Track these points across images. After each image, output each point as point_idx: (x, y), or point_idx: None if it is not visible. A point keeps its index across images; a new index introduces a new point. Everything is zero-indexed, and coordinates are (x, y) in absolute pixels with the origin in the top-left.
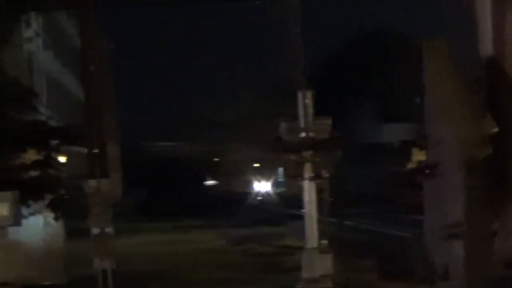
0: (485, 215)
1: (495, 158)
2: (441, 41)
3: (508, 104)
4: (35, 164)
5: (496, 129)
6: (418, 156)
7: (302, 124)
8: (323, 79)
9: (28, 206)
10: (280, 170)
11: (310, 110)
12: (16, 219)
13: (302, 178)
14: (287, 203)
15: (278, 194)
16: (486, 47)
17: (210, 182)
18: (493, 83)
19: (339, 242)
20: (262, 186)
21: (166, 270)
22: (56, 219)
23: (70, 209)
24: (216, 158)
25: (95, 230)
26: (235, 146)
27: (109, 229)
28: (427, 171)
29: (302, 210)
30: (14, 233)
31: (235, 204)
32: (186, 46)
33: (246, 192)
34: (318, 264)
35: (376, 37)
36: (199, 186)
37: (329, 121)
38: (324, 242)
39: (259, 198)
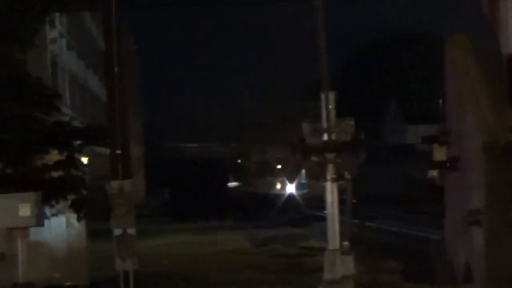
0: (506, 203)
1: None
2: (463, 34)
3: None
4: (57, 165)
5: None
6: (439, 157)
7: (324, 125)
8: (346, 81)
9: (51, 206)
10: (303, 171)
11: (333, 111)
12: (39, 220)
13: (324, 179)
14: (310, 205)
15: (301, 195)
16: (509, 49)
17: (233, 184)
18: None
19: (362, 243)
20: (285, 188)
21: (190, 271)
22: (78, 219)
23: (93, 209)
24: (239, 159)
25: (117, 231)
26: (258, 147)
27: (131, 230)
28: (448, 165)
29: (325, 212)
30: (36, 234)
31: (258, 206)
32: (208, 46)
33: (269, 194)
34: (340, 265)
35: (399, 38)
36: (222, 187)
37: (351, 122)
38: (346, 243)
39: (282, 199)
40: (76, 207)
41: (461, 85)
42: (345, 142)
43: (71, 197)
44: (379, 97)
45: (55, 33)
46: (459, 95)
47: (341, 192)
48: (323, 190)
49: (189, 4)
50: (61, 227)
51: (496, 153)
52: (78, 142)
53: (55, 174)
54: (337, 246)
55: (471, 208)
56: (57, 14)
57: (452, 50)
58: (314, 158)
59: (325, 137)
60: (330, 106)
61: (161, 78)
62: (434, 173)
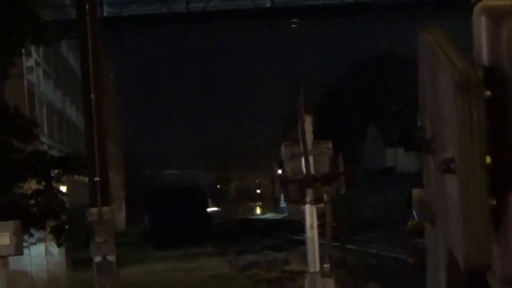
0: (481, 147)
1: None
2: (436, 27)
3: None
4: (36, 194)
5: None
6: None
7: (302, 148)
8: (328, 105)
9: (30, 235)
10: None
11: (310, 134)
12: (18, 249)
13: (303, 203)
14: (291, 228)
15: (281, 219)
16: (481, 62)
17: (213, 209)
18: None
19: (342, 266)
20: (265, 212)
21: None
22: (59, 245)
23: (73, 237)
24: (219, 185)
25: (97, 259)
26: (238, 173)
27: (111, 257)
28: (424, 147)
29: (304, 235)
30: (16, 262)
31: (239, 231)
32: (188, 75)
33: (250, 218)
34: None
35: (380, 62)
36: (202, 214)
37: (329, 145)
38: (326, 266)
39: (263, 224)
40: (56, 233)
41: (433, 57)
42: (326, 174)
43: (51, 224)
44: (359, 121)
45: (32, 62)
46: (432, 82)
47: (322, 215)
48: (302, 214)
49: (168, 32)
50: (40, 255)
51: (468, 90)
52: (56, 171)
53: (34, 202)
54: (317, 269)
55: (445, 158)
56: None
57: (424, 37)
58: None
59: (303, 161)
60: (307, 128)
61: (141, 106)
62: (411, 222)
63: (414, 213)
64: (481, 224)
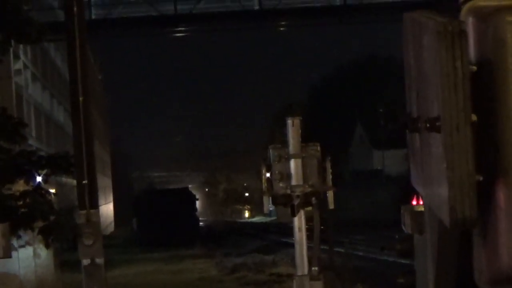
0: (465, 103)
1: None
2: (422, 11)
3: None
4: (24, 195)
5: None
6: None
7: (290, 150)
8: (317, 106)
9: (18, 238)
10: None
11: (298, 136)
12: (6, 251)
13: (291, 206)
14: (278, 231)
15: (270, 222)
16: (470, 60)
17: (201, 212)
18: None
19: (331, 269)
20: (254, 215)
21: None
22: (47, 246)
23: (61, 237)
24: (207, 187)
25: (85, 261)
26: (226, 175)
27: (99, 260)
28: (410, 126)
29: (293, 238)
30: (4, 265)
31: (227, 233)
32: (175, 76)
33: (237, 221)
34: None
35: (369, 63)
36: (190, 216)
37: (317, 147)
38: (315, 268)
39: (251, 227)
40: (44, 234)
41: (418, 26)
42: (314, 192)
43: (39, 224)
44: (347, 121)
45: (20, 64)
46: (417, 51)
47: (310, 218)
48: (290, 217)
49: (156, 34)
50: (28, 258)
51: (451, 39)
52: (44, 172)
53: (21, 204)
54: (306, 271)
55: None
56: (21, 46)
57: (409, 17)
58: (280, 185)
59: (292, 163)
60: (295, 130)
61: (130, 107)
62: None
63: (403, 226)
64: (465, 175)
